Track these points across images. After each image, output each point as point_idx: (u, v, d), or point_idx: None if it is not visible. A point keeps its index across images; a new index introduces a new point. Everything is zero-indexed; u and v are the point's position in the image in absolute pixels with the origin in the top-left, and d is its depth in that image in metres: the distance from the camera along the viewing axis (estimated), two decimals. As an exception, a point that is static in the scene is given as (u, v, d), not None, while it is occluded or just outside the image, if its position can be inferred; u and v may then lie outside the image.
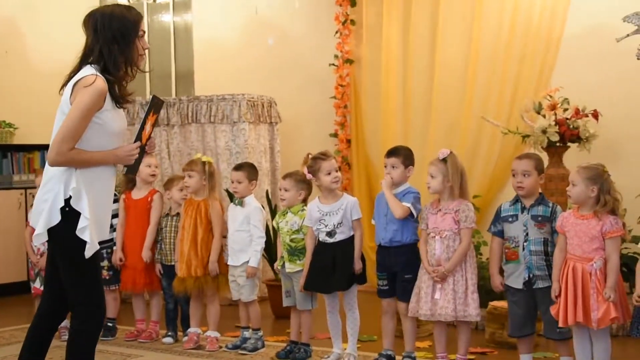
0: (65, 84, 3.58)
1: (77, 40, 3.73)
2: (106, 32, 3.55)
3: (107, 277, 5.74)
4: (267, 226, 5.74)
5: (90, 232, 3.48)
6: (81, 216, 3.48)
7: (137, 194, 5.81)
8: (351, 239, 4.87)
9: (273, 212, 6.44)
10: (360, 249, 4.89)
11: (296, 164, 5.27)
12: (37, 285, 5.81)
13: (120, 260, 5.75)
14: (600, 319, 4.03)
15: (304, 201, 5.17)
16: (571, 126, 6.10)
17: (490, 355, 5.12)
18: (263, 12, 8.20)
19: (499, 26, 6.91)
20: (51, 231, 3.52)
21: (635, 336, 4.11)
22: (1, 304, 7.33)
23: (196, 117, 7.30)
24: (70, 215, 3.49)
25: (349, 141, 7.78)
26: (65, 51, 4.08)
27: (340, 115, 7.78)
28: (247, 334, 5.43)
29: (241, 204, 5.41)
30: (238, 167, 5.53)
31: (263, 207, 5.63)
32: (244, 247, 5.35)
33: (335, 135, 7.81)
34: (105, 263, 5.75)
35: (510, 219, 4.48)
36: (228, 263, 5.43)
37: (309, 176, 4.95)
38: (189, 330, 5.55)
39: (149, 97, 8.02)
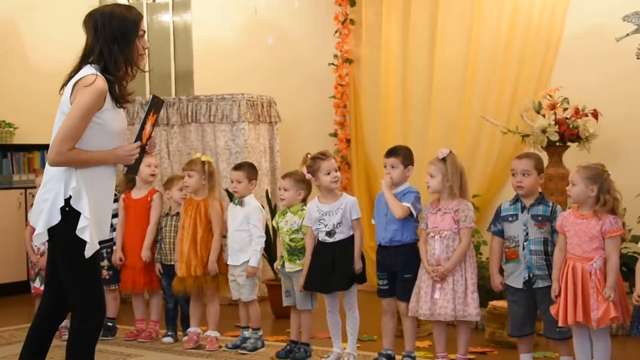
0: (65, 84, 3.58)
1: (77, 40, 3.73)
2: (106, 32, 3.55)
3: (107, 277, 5.74)
4: (266, 226, 5.74)
5: (90, 232, 3.49)
6: (81, 216, 3.48)
7: (137, 193, 5.81)
8: (351, 239, 4.87)
9: (273, 212, 6.44)
10: (360, 248, 4.89)
11: (296, 163, 5.27)
12: (37, 284, 5.82)
13: (120, 260, 5.75)
14: (600, 318, 4.03)
15: (304, 201, 5.17)
16: (571, 126, 6.10)
17: (490, 354, 5.12)
18: (262, 12, 8.20)
19: (498, 26, 6.91)
20: (51, 231, 3.52)
21: (635, 336, 4.11)
22: (1, 304, 7.33)
23: (196, 116, 7.30)
24: (70, 215, 3.49)
25: (348, 141, 7.78)
26: (65, 51, 4.08)
27: (340, 115, 7.78)
28: (247, 333, 5.43)
29: (241, 203, 5.41)
30: (238, 167, 5.54)
31: (263, 206, 5.63)
32: (243, 247, 5.35)
33: (334, 134, 7.81)
34: (105, 263, 5.75)
35: (510, 219, 4.48)
36: (228, 263, 5.43)
37: (308, 176, 4.95)
38: (188, 329, 5.55)
39: (148, 97, 8.03)
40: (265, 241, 5.47)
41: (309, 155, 5.01)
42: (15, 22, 8.80)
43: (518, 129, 6.42)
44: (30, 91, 8.55)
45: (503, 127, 6.52)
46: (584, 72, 6.51)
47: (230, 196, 5.74)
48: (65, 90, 3.56)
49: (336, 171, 4.92)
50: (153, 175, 5.83)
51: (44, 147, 7.97)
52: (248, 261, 5.31)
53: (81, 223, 3.48)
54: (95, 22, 3.57)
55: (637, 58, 5.75)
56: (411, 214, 4.71)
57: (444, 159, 4.61)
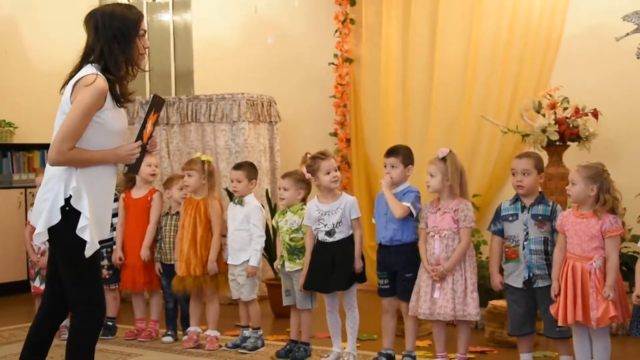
0: (66, 83, 3.58)
1: (77, 40, 3.73)
2: (107, 31, 3.55)
3: (107, 276, 5.75)
4: (266, 225, 5.74)
5: (91, 232, 3.49)
6: (81, 215, 3.48)
7: (137, 193, 5.81)
8: (350, 238, 4.87)
9: (273, 211, 6.44)
10: (361, 248, 4.89)
11: (296, 163, 5.27)
12: (37, 284, 5.82)
13: (120, 259, 5.75)
14: (599, 318, 4.03)
15: (303, 200, 5.17)
16: (571, 125, 6.10)
17: (490, 354, 5.12)
18: (262, 12, 8.20)
19: (498, 25, 6.91)
20: (51, 230, 3.52)
21: (635, 335, 4.11)
22: (1, 303, 7.33)
23: (196, 116, 7.30)
24: (70, 214, 3.49)
25: (348, 140, 7.78)
26: (65, 51, 4.08)
27: (340, 115, 7.78)
28: (247, 333, 5.43)
29: (241, 203, 5.41)
30: (238, 166, 5.54)
31: (263, 206, 5.63)
32: (243, 246, 5.35)
33: (334, 134, 7.81)
34: (105, 262, 5.75)
35: (510, 218, 4.49)
36: (228, 262, 5.43)
37: (308, 176, 4.95)
38: (188, 329, 5.55)
39: (148, 96, 8.03)
40: (265, 241, 5.47)
41: (308, 155, 5.01)
42: (15, 22, 8.80)
43: (518, 128, 6.42)
44: (30, 91, 8.56)
45: (503, 127, 6.52)
46: (583, 71, 6.51)
47: (231, 195, 5.74)
48: (66, 90, 3.56)
49: (336, 171, 4.92)
50: (153, 174, 5.83)
51: (44, 147, 7.98)
52: (248, 261, 5.32)
53: (81, 222, 3.48)
54: (96, 21, 3.57)
55: (637, 58, 5.75)
56: (411, 214, 4.71)
57: (443, 159, 4.61)
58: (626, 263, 5.26)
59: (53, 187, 3.52)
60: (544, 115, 6.21)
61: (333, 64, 7.75)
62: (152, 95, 3.73)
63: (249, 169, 5.47)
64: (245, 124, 7.11)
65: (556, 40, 6.69)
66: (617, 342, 4.88)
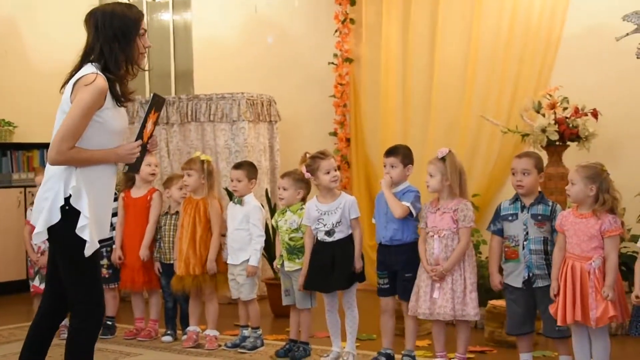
0: (66, 83, 3.58)
1: (77, 40, 3.73)
2: (107, 31, 3.54)
3: (107, 276, 5.74)
4: (266, 225, 5.74)
5: (90, 231, 3.49)
6: (81, 215, 3.48)
7: (137, 192, 5.81)
8: (350, 238, 4.87)
9: (272, 211, 6.44)
10: (361, 247, 4.89)
11: (295, 162, 5.27)
12: (37, 283, 5.82)
13: (119, 258, 5.75)
14: (598, 317, 4.03)
15: (303, 200, 5.17)
16: (570, 125, 6.11)
17: (490, 354, 5.12)
18: (262, 11, 8.20)
19: (498, 25, 6.91)
20: (51, 230, 3.52)
21: (634, 335, 4.11)
22: (0, 303, 7.33)
23: (195, 115, 7.30)
24: (70, 213, 3.49)
25: (348, 140, 7.78)
26: (65, 51, 4.08)
27: (340, 114, 7.78)
28: (246, 332, 5.43)
29: (240, 202, 5.41)
30: (238, 166, 5.54)
31: (262, 205, 5.63)
32: (243, 246, 5.35)
33: (334, 134, 7.81)
34: (104, 261, 5.75)
35: (510, 218, 4.49)
36: (227, 262, 5.43)
37: (307, 175, 4.95)
38: (188, 328, 5.55)
39: (148, 95, 8.03)
40: (265, 240, 5.47)
41: (307, 155, 5.01)
42: (15, 22, 8.80)
43: (518, 128, 6.43)
44: (29, 90, 8.56)
45: (503, 127, 6.52)
46: (583, 71, 6.51)
47: (230, 195, 5.74)
48: (66, 89, 3.56)
49: (335, 170, 4.92)
50: (153, 174, 5.83)
51: (44, 146, 7.99)
52: (248, 260, 5.32)
53: (81, 222, 3.48)
54: (96, 20, 3.57)
55: (637, 58, 5.75)
56: (411, 213, 4.71)
57: (443, 159, 4.61)
58: (625, 263, 5.26)
59: (53, 186, 3.52)
60: (543, 115, 6.21)
61: (333, 63, 7.75)
62: (152, 95, 3.73)
63: (248, 169, 5.47)
64: (245, 123, 7.11)
65: (556, 40, 6.69)
66: (617, 342, 4.88)
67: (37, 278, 5.84)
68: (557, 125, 6.09)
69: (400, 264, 4.75)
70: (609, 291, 4.03)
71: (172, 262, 5.58)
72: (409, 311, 4.69)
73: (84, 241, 3.48)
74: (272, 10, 8.22)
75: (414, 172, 4.88)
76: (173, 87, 8.88)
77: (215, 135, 7.22)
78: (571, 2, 6.62)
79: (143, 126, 3.66)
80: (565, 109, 6.19)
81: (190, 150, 7.15)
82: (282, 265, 5.15)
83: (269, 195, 6.90)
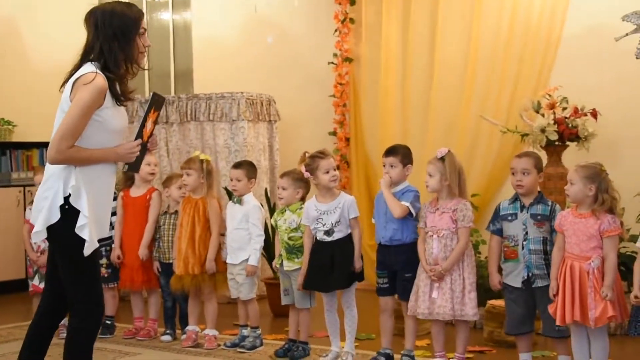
0: (65, 82, 3.58)
1: (76, 39, 3.73)
2: (107, 29, 3.54)
3: (106, 275, 5.73)
4: (265, 224, 5.74)
5: (90, 230, 3.48)
6: (80, 214, 3.48)
7: (136, 191, 5.81)
8: (349, 237, 4.87)
9: (272, 211, 6.44)
10: (360, 247, 4.89)
11: (295, 162, 5.27)
12: (36, 282, 5.82)
13: (118, 257, 5.75)
14: (597, 317, 4.03)
15: (302, 199, 5.17)
16: (570, 125, 6.11)
17: (489, 354, 5.12)
18: (262, 11, 8.20)
19: (498, 25, 6.91)
20: (50, 229, 3.51)
21: (633, 335, 4.12)
22: (-1, 302, 7.35)
23: (195, 115, 7.30)
24: (69, 213, 3.48)
25: (347, 140, 7.78)
26: (64, 50, 4.09)
27: (339, 114, 7.78)
28: (245, 332, 5.43)
29: (240, 202, 5.41)
30: (237, 165, 5.54)
31: (262, 205, 5.63)
32: (242, 245, 5.35)
33: (334, 133, 7.81)
34: (103, 261, 5.75)
35: (509, 218, 4.49)
36: (227, 261, 5.43)
37: (306, 174, 4.95)
38: (187, 328, 5.55)
39: (148, 95, 8.03)
40: (264, 240, 5.47)
41: (307, 154, 5.01)
42: (15, 22, 8.80)
43: (517, 128, 6.43)
44: (29, 90, 8.57)
45: (502, 127, 6.52)
46: (583, 71, 6.51)
47: (230, 194, 5.74)
48: (65, 88, 3.56)
49: (335, 170, 4.92)
50: (152, 173, 5.83)
51: (43, 145, 7.99)
52: (247, 260, 5.32)
53: (80, 221, 3.48)
54: (96, 19, 3.57)
55: (637, 58, 5.75)
56: (410, 213, 4.71)
57: (442, 159, 4.61)
58: (624, 263, 5.26)
59: (52, 185, 3.52)
60: (543, 115, 6.21)
61: (333, 63, 7.75)
62: (151, 94, 3.72)
63: (248, 168, 5.47)
64: (244, 122, 7.11)
65: (556, 40, 6.69)
66: (616, 341, 4.88)
67: (36, 277, 5.84)
68: (556, 125, 6.09)
69: (399, 264, 4.75)
70: (607, 291, 4.03)
71: (171, 261, 5.58)
72: (408, 311, 4.69)
73: (84, 240, 3.48)
74: (272, 9, 8.22)
75: (413, 172, 4.88)
76: (173, 87, 8.87)
77: (215, 135, 7.22)
78: (571, 2, 6.62)
79: (143, 125, 3.66)
80: (564, 109, 6.19)
81: (189, 150, 7.15)
82: (281, 264, 5.15)
83: (269, 194, 6.90)
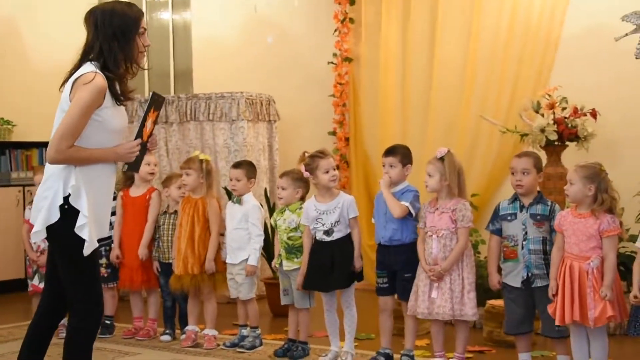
0: (65, 81, 3.58)
1: (76, 39, 3.73)
2: (106, 29, 3.54)
3: (105, 275, 5.73)
4: (265, 224, 5.74)
5: (89, 230, 3.48)
6: (80, 214, 3.48)
7: (136, 191, 5.81)
8: (348, 237, 4.87)
9: (271, 210, 6.44)
10: (360, 246, 4.89)
11: (294, 162, 5.27)
12: (36, 282, 5.82)
13: (117, 257, 5.75)
14: (597, 317, 4.03)
15: (302, 199, 5.17)
16: (569, 125, 6.11)
17: (488, 353, 5.13)
18: (262, 11, 8.20)
19: (498, 25, 6.91)
20: (50, 229, 3.51)
21: (633, 335, 4.12)
22: (-1, 302, 7.35)
23: (195, 115, 7.30)
24: (69, 212, 3.48)
25: (347, 139, 7.78)
26: (64, 50, 4.08)
27: (339, 114, 7.79)
28: (245, 332, 5.43)
29: (239, 202, 5.41)
30: (237, 165, 5.54)
31: (261, 205, 5.63)
32: (242, 245, 5.35)
33: (333, 133, 7.81)
34: (103, 261, 5.74)
35: (509, 218, 4.49)
36: (226, 261, 5.43)
37: (306, 174, 4.95)
38: (186, 328, 5.55)
39: (147, 95, 8.03)
40: (264, 240, 5.47)
41: (306, 154, 5.01)
42: (15, 22, 8.81)
43: (517, 128, 6.43)
44: (29, 90, 8.57)
45: (502, 127, 6.53)
46: (582, 71, 6.52)
47: (229, 194, 5.74)
48: (65, 88, 3.55)
49: (334, 170, 4.92)
50: (152, 173, 5.83)
51: (43, 145, 7.99)
52: (247, 260, 5.31)
53: (80, 221, 3.47)
54: (96, 19, 3.56)
55: (636, 58, 5.75)
56: (410, 213, 4.71)
57: (441, 159, 4.60)
58: (624, 263, 5.26)
59: (52, 185, 3.52)
60: (542, 115, 6.22)
61: (332, 63, 7.75)
62: (151, 93, 3.72)
63: (248, 168, 5.47)
64: (244, 122, 7.11)
65: (555, 40, 6.69)
66: (615, 341, 4.88)
67: (36, 277, 5.85)
68: (556, 125, 6.09)
69: (399, 264, 4.75)
70: (607, 291, 4.03)
71: (170, 261, 5.58)
72: (408, 311, 4.69)
73: (83, 240, 3.47)
74: (272, 9, 8.22)
75: (413, 172, 4.88)
76: (172, 86, 8.88)
77: (215, 135, 7.22)
78: (570, 2, 6.62)
79: (142, 125, 3.66)
80: (564, 109, 6.19)
81: (189, 150, 7.15)
82: (281, 264, 5.15)
83: (268, 194, 6.90)
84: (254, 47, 8.26)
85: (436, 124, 7.15)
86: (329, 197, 4.90)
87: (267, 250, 6.18)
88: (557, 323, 4.18)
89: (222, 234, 5.47)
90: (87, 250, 3.49)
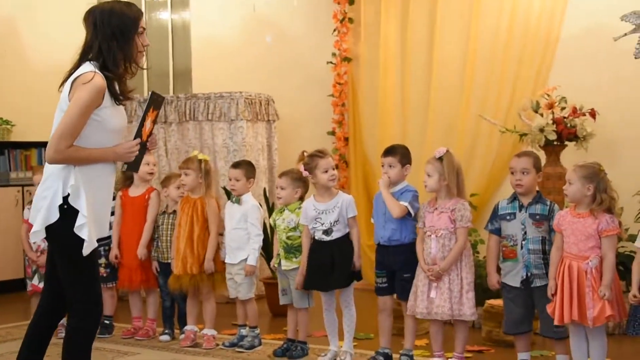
0: (64, 81, 3.58)
1: (75, 39, 3.73)
2: (105, 29, 3.54)
3: (104, 275, 5.73)
4: (264, 224, 5.74)
5: (89, 230, 3.48)
6: (79, 214, 3.48)
7: (135, 191, 5.81)
8: (347, 237, 4.87)
9: (270, 210, 6.44)
10: (359, 246, 4.89)
11: (293, 162, 5.27)
12: (35, 282, 5.82)
13: (116, 257, 5.75)
14: (595, 317, 4.04)
15: (301, 199, 5.17)
16: (568, 125, 6.11)
17: (487, 353, 5.13)
18: (261, 10, 8.20)
19: (497, 25, 6.91)
20: (49, 229, 3.51)
21: (631, 334, 4.12)
22: (-2, 301, 7.35)
23: (194, 114, 7.30)
24: (68, 212, 3.48)
25: (346, 139, 7.78)
26: (64, 50, 4.08)
27: (338, 114, 7.78)
28: (244, 331, 5.43)
29: (238, 201, 5.41)
30: (236, 165, 5.54)
31: (260, 205, 5.63)
32: (241, 245, 5.35)
33: (332, 133, 7.81)
34: (102, 260, 5.74)
35: (508, 217, 4.49)
36: (225, 261, 5.43)
37: (305, 173, 4.95)
38: (185, 328, 5.55)
39: (146, 94, 8.03)
40: (263, 239, 5.47)
41: (305, 153, 5.01)
42: (15, 21, 8.81)
43: (516, 128, 6.44)
44: (28, 89, 8.57)
45: (501, 126, 6.53)
46: (581, 71, 6.52)
47: (228, 194, 5.73)
48: (64, 88, 3.55)
49: (334, 169, 4.92)
50: (151, 173, 5.83)
51: (42, 145, 7.99)
52: (246, 259, 5.31)
53: (79, 221, 3.48)
54: (95, 18, 3.57)
55: (635, 58, 5.75)
56: (409, 213, 4.71)
57: (440, 158, 4.61)
58: (623, 262, 5.26)
59: (51, 185, 3.52)
60: (541, 115, 6.22)
61: (331, 63, 7.75)
62: (150, 93, 3.72)
63: (247, 168, 5.47)
64: (243, 122, 7.11)
65: (554, 40, 6.69)
66: (614, 341, 4.89)
67: (35, 277, 5.84)
68: (555, 125, 6.09)
69: (398, 264, 4.75)
70: (605, 290, 4.03)
71: (169, 261, 5.58)
72: (407, 310, 4.69)
73: (82, 240, 3.47)
74: (271, 9, 8.22)
75: (412, 172, 4.88)
76: (171, 86, 8.87)
77: (214, 135, 7.22)
78: (570, 2, 6.62)
79: (141, 125, 3.66)
80: (563, 108, 6.20)
81: (188, 149, 7.14)
82: (279, 264, 5.15)
83: (267, 194, 6.90)
84: (253, 47, 8.26)
85: (436, 124, 7.15)
86: (328, 197, 4.90)
87: (266, 250, 6.18)
88: (556, 322, 4.19)
89: (221, 234, 5.47)
90: (86, 250, 3.50)
